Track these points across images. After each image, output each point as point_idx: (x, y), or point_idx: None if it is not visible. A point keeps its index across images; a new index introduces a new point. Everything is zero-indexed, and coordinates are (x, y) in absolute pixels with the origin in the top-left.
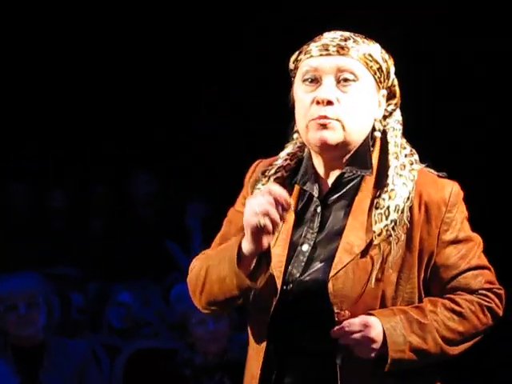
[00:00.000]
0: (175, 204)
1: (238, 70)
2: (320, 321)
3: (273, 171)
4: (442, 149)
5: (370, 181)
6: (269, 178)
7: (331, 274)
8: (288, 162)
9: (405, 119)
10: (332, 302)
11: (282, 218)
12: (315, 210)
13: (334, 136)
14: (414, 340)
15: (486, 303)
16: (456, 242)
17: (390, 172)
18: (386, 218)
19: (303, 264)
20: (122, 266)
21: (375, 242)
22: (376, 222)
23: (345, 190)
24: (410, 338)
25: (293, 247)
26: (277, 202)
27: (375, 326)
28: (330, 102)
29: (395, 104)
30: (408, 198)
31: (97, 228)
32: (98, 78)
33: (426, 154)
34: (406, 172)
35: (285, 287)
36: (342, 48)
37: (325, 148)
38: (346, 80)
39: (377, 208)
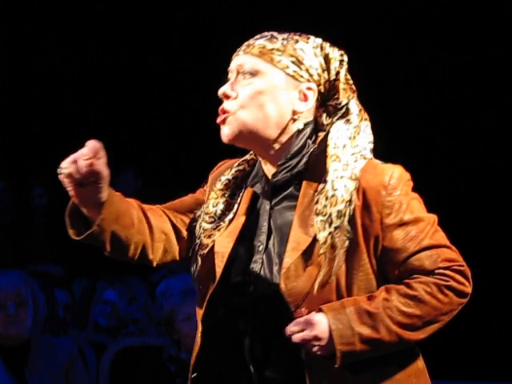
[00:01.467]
0: (159, 200)
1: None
2: (281, 320)
3: (231, 173)
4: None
5: (308, 182)
6: (224, 180)
7: (282, 273)
8: (244, 165)
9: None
10: (287, 301)
11: (91, 166)
12: (264, 210)
13: (229, 130)
14: (363, 331)
15: (443, 282)
16: (402, 224)
17: (329, 177)
18: (330, 226)
19: (258, 265)
20: (108, 263)
21: (321, 251)
22: (320, 230)
23: (289, 190)
24: (360, 329)
25: (245, 245)
26: (88, 154)
27: (319, 322)
28: (226, 97)
29: (346, 99)
30: (350, 201)
31: None
32: (82, 77)
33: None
34: (349, 172)
35: (246, 287)
36: (248, 46)
37: (229, 143)
38: (244, 75)
39: (318, 214)
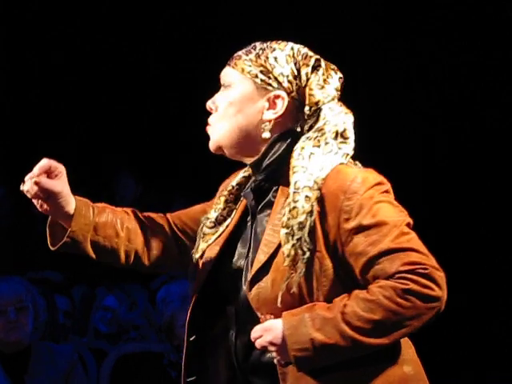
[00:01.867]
0: (159, 206)
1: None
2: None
3: (236, 179)
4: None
5: (283, 190)
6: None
7: (248, 280)
8: (249, 171)
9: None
10: (254, 308)
11: (38, 184)
12: (250, 218)
13: (211, 142)
14: (317, 336)
15: (402, 286)
16: (362, 228)
17: (291, 189)
18: (292, 238)
19: (239, 272)
20: (107, 269)
21: (285, 264)
22: (284, 243)
23: (268, 198)
24: (314, 335)
25: (230, 252)
26: (35, 173)
27: (274, 328)
28: (210, 109)
29: (310, 108)
30: (311, 212)
31: None
32: (82, 82)
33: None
34: (311, 182)
35: (229, 294)
36: (231, 58)
37: (216, 153)
38: (224, 87)
39: (283, 227)
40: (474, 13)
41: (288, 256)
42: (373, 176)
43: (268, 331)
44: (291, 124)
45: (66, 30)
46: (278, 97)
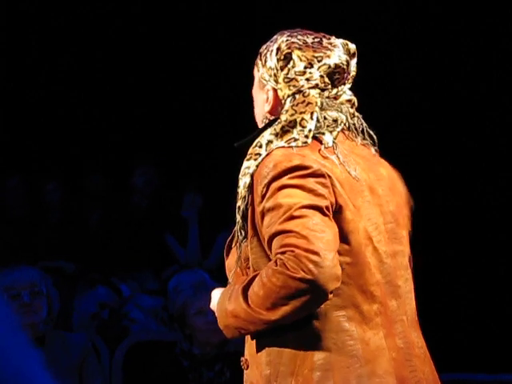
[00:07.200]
0: (172, 195)
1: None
2: None
3: None
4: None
5: None
6: None
7: (225, 252)
8: None
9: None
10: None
11: None
12: None
13: None
14: (229, 307)
15: (274, 267)
16: (266, 211)
17: (240, 175)
18: (237, 221)
19: None
20: (120, 259)
21: (233, 245)
22: (236, 224)
23: None
24: (227, 306)
25: None
26: None
27: (213, 298)
28: None
29: (281, 97)
30: (245, 197)
31: (94, 221)
32: (96, 73)
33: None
34: (252, 168)
35: None
36: None
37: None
38: None
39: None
40: (474, 12)
41: (237, 236)
42: (286, 160)
43: (210, 299)
44: (277, 114)
45: (66, 29)
46: (269, 90)
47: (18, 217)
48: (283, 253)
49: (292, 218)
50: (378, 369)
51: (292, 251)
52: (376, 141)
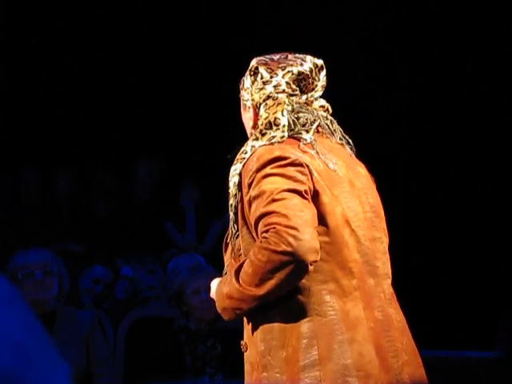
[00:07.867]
0: (172, 188)
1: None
2: None
3: None
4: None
5: None
6: None
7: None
8: None
9: None
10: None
11: None
12: None
13: None
14: (224, 290)
15: (259, 244)
16: (252, 199)
17: (229, 177)
18: (231, 218)
19: None
20: (126, 243)
21: (228, 240)
22: (230, 222)
23: None
24: (223, 289)
25: None
26: None
27: (212, 286)
28: None
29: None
30: (235, 195)
31: (101, 210)
32: (96, 73)
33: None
34: (238, 170)
35: None
36: None
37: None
38: None
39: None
40: (474, 12)
41: (231, 231)
42: (268, 152)
43: (210, 288)
44: None
45: (66, 29)
46: (249, 108)
47: (33, 205)
48: (267, 231)
49: (274, 200)
50: (358, 336)
51: (274, 228)
52: (351, 143)
